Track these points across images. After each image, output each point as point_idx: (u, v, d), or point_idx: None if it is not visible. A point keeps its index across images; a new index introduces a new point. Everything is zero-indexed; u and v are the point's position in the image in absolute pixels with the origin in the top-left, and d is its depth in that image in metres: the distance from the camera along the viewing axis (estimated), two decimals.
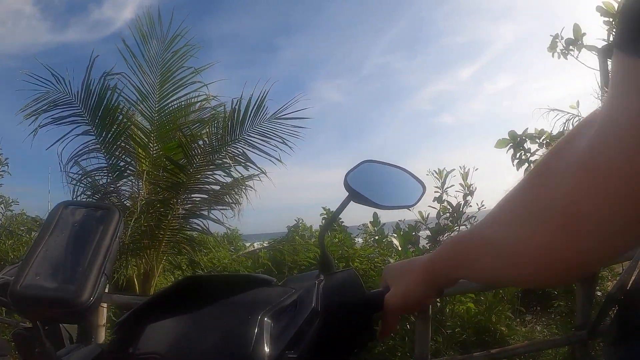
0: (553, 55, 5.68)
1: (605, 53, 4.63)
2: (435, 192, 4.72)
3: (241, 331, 0.69)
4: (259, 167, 5.47)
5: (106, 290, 0.80)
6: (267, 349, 0.67)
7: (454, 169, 4.72)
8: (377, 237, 5.76)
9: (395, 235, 5.52)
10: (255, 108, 5.19)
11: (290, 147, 5.34)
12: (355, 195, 1.00)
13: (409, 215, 5.22)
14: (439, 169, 4.72)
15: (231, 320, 0.73)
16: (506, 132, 4.99)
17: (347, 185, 1.01)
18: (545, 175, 0.52)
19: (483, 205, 4.64)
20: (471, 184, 4.66)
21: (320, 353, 0.75)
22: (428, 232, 4.80)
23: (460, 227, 4.64)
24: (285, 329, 0.72)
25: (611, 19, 5.25)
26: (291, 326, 0.72)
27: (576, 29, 5.45)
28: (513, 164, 5.52)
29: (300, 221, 6.48)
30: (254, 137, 5.33)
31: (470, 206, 4.69)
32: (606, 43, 4.76)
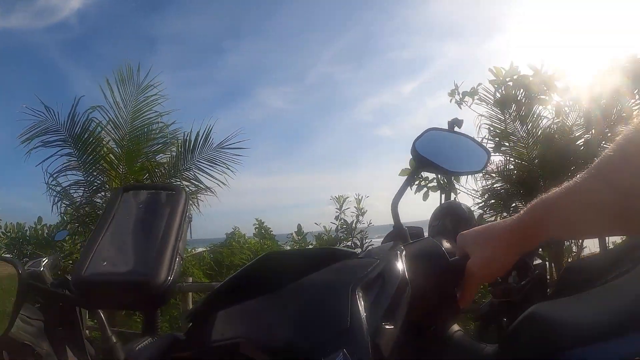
0: (451, 101, 7.16)
1: (452, 124, 6.09)
2: (335, 212, 6.20)
3: (334, 305, 0.66)
4: (207, 187, 6.88)
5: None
6: (364, 321, 0.64)
7: (348, 197, 6.19)
8: (301, 245, 7.12)
9: (315, 244, 6.93)
10: (202, 139, 6.68)
11: (232, 172, 6.75)
12: (423, 162, 1.02)
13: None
14: (338, 196, 6.20)
15: (321, 295, 0.70)
16: None
17: (415, 153, 1.02)
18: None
19: (371, 223, 6.10)
20: (362, 207, 6.13)
21: (411, 324, 0.75)
22: None
23: (353, 239, 6.09)
24: (377, 300, 0.69)
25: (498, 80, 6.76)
26: (382, 297, 0.69)
27: (472, 91, 6.94)
28: (411, 188, 6.96)
29: (237, 229, 7.77)
30: (203, 163, 6.77)
31: (363, 223, 6.16)
32: (454, 117, 6.24)
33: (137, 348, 0.77)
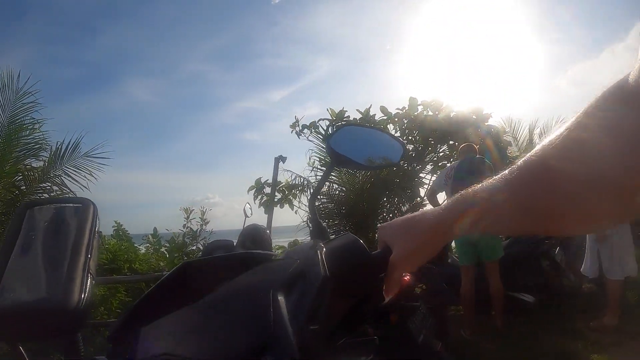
0: (292, 132, 8.54)
1: (278, 160, 7.57)
2: (184, 220, 7.48)
3: (256, 311, 0.64)
4: (71, 191, 7.72)
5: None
6: (288, 325, 0.61)
7: (194, 209, 7.46)
8: (156, 247, 8.19)
9: (167, 246, 8.00)
10: (72, 149, 7.65)
11: (95, 179, 7.66)
12: (339, 159, 1.04)
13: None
14: (186, 208, 7.47)
15: (242, 302, 0.68)
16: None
17: (330, 151, 1.03)
18: (584, 148, 0.53)
19: (213, 232, 7.43)
20: (206, 218, 7.47)
21: (337, 320, 0.76)
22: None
23: (198, 244, 7.36)
24: (300, 302, 0.67)
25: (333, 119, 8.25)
26: (305, 298, 0.68)
27: (313, 124, 8.40)
28: (254, 202, 8.33)
29: None
30: (70, 169, 7.71)
31: (207, 231, 7.49)
32: (279, 154, 7.72)
33: None
